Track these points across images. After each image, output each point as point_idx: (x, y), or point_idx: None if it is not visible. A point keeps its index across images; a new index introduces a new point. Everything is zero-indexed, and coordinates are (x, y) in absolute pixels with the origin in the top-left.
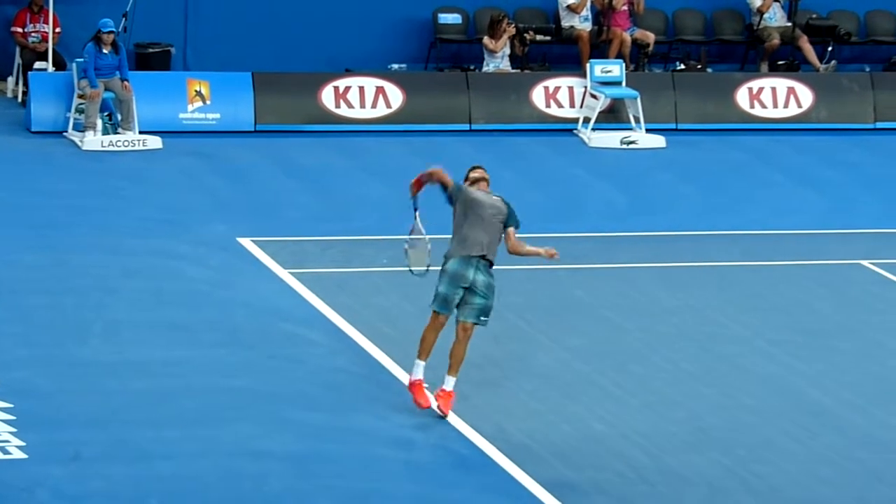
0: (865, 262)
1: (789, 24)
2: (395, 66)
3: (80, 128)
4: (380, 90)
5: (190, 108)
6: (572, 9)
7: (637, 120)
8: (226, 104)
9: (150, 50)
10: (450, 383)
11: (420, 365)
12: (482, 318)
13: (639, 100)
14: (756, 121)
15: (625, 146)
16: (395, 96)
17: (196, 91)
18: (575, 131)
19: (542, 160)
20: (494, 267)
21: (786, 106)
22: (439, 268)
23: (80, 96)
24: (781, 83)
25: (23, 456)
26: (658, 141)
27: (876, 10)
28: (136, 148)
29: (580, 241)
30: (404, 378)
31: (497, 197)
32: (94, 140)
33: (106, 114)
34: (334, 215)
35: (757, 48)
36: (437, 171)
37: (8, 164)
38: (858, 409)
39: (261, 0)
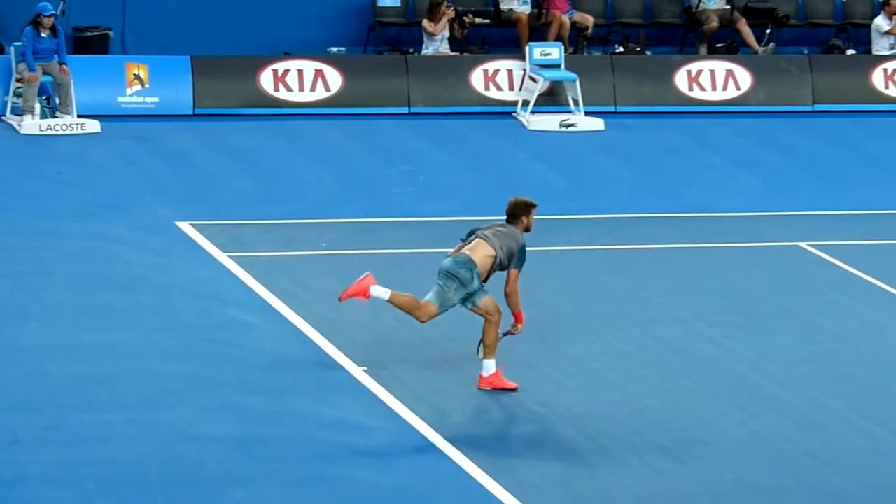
0: (804, 244)
1: (728, 6)
2: (335, 49)
3: (18, 112)
4: (319, 73)
5: (129, 91)
6: None
7: (576, 103)
8: (164, 88)
9: (89, 33)
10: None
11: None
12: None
13: (577, 83)
14: (695, 103)
15: (563, 129)
16: (335, 80)
17: (135, 75)
18: (514, 114)
19: (481, 143)
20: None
21: (724, 88)
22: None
23: (19, 80)
24: (720, 66)
25: None
26: (597, 124)
27: None
28: (75, 132)
29: None
30: (344, 361)
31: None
32: (32, 124)
33: (44, 98)
34: (274, 199)
35: (696, 31)
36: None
37: None
38: (796, 390)
39: None
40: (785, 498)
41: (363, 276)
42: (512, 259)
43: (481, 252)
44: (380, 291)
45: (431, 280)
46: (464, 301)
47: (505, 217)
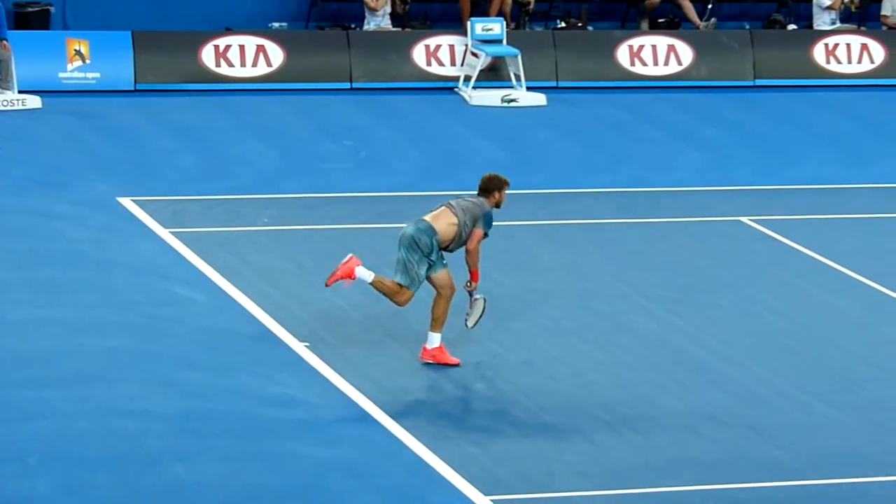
0: (745, 219)
1: None
2: (276, 24)
3: None
4: (260, 49)
5: (69, 67)
6: None
7: (518, 78)
8: (105, 63)
9: (29, 9)
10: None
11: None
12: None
13: (519, 58)
14: (636, 78)
15: (505, 104)
16: (276, 55)
17: (76, 50)
18: (456, 89)
19: (423, 118)
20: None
21: (666, 63)
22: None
23: None
24: (661, 41)
25: None
26: (538, 99)
27: None
28: (15, 107)
29: None
30: (286, 337)
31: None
32: None
33: None
34: (215, 174)
35: (637, 6)
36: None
37: None
38: (736, 364)
39: None
40: (725, 471)
41: (347, 258)
42: (477, 222)
43: (444, 220)
44: (364, 273)
45: (374, 255)
46: (427, 272)
47: (476, 191)
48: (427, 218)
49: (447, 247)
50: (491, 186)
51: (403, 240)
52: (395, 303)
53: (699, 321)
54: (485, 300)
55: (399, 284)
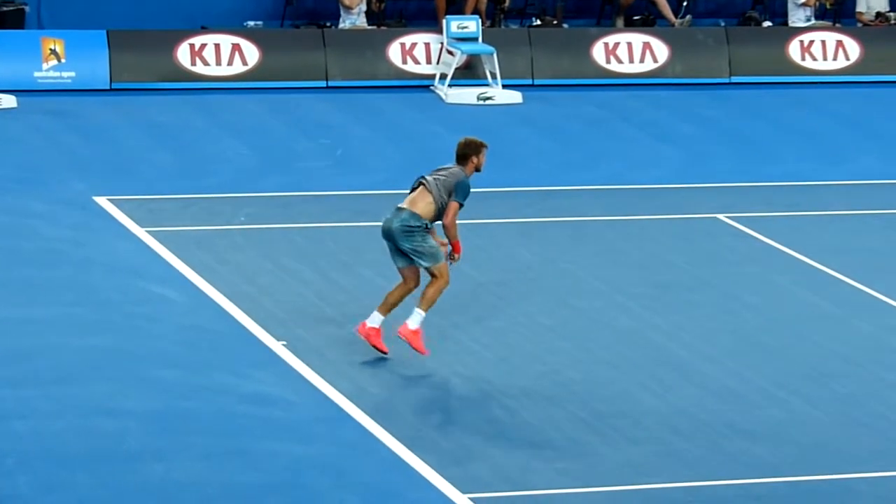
0: (721, 216)
1: None
2: (251, 23)
3: None
4: (236, 47)
5: (45, 66)
6: None
7: (493, 76)
8: (81, 62)
9: (4, 8)
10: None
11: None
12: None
13: (495, 56)
14: (612, 76)
15: (481, 102)
16: (252, 53)
17: (51, 49)
18: (432, 87)
19: (399, 117)
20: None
21: (641, 61)
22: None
23: None
24: (637, 38)
25: None
26: (514, 97)
27: None
28: None
29: None
30: (263, 336)
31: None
32: None
33: None
34: (191, 173)
35: (613, 3)
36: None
37: None
38: (714, 361)
39: None
40: (703, 468)
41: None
42: (451, 194)
43: (422, 201)
44: (417, 319)
45: (351, 252)
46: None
47: (455, 159)
48: (405, 205)
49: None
50: (468, 152)
51: (394, 233)
52: (444, 286)
53: (677, 318)
54: None
55: (428, 269)
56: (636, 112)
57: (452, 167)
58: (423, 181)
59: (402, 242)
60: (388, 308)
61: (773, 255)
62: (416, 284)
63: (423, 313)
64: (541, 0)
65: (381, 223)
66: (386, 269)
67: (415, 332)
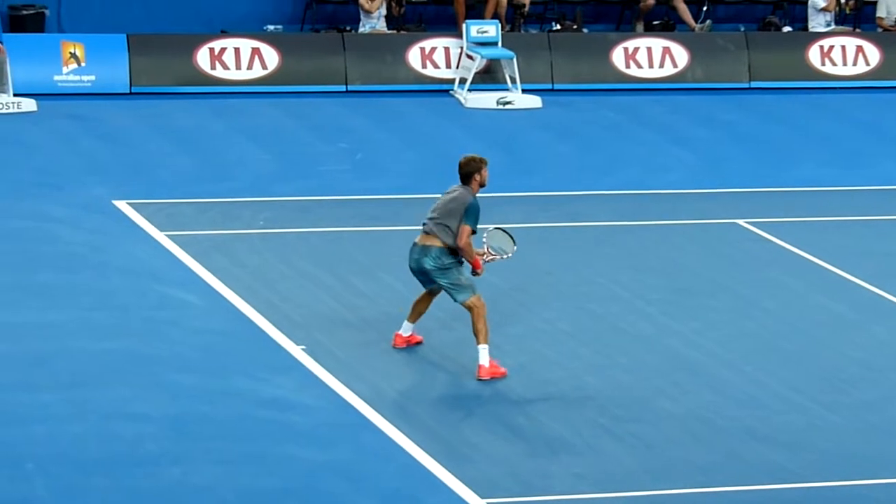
0: (741, 221)
1: None
2: (271, 27)
3: None
4: (255, 51)
5: (65, 70)
6: None
7: (513, 80)
8: (101, 66)
9: (24, 12)
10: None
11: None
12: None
13: (515, 60)
14: (631, 81)
15: (501, 107)
16: (271, 58)
17: (71, 53)
18: (451, 92)
19: (419, 121)
20: (368, 229)
21: (661, 66)
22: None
23: None
24: (657, 43)
25: None
26: (534, 101)
27: None
28: (11, 111)
29: None
30: (282, 340)
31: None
32: None
33: None
34: (211, 177)
35: (632, 8)
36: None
37: None
38: (732, 366)
39: None
40: (722, 474)
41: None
42: (461, 219)
43: (429, 241)
44: (485, 354)
45: (369, 257)
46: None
47: (459, 179)
48: (426, 242)
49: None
50: (470, 170)
51: (430, 273)
52: (484, 312)
53: (695, 324)
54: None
55: (463, 304)
56: (655, 117)
57: (458, 191)
58: (426, 229)
59: (439, 279)
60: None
61: (792, 260)
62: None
63: (486, 346)
64: (561, 5)
65: (398, 227)
66: (404, 274)
67: (491, 366)
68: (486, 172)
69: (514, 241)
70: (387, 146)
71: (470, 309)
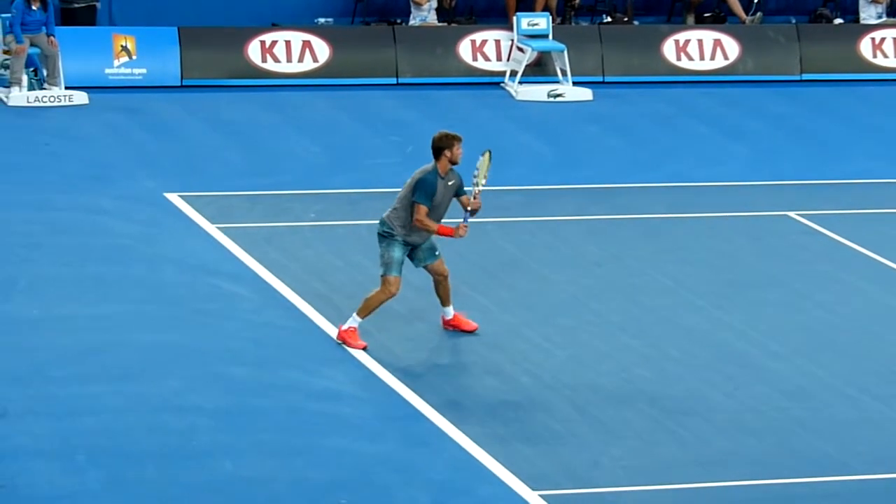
0: (792, 214)
1: None
2: (322, 20)
3: (6, 83)
4: (306, 44)
5: (116, 63)
6: None
7: (564, 73)
8: (152, 59)
9: (76, 5)
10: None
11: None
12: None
13: (566, 53)
14: (682, 73)
15: (552, 99)
16: (322, 50)
17: (122, 46)
18: (502, 85)
19: (469, 114)
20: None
21: (712, 58)
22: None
23: (6, 52)
24: (708, 35)
25: None
26: (585, 94)
27: None
28: (63, 103)
29: (507, 195)
30: (333, 332)
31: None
32: (19, 96)
33: (32, 69)
34: (262, 170)
35: (683, 0)
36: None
37: None
38: (783, 359)
39: None
40: (773, 466)
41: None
42: (413, 194)
43: (392, 207)
44: (350, 322)
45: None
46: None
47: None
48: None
49: (407, 227)
50: (441, 146)
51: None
52: (385, 297)
53: (746, 316)
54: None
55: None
56: (706, 109)
57: (427, 165)
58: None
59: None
60: (446, 302)
61: (844, 252)
62: (444, 274)
63: (358, 319)
64: None
65: (447, 219)
66: (454, 266)
67: (348, 333)
68: (458, 150)
69: (489, 161)
70: None
71: (381, 290)
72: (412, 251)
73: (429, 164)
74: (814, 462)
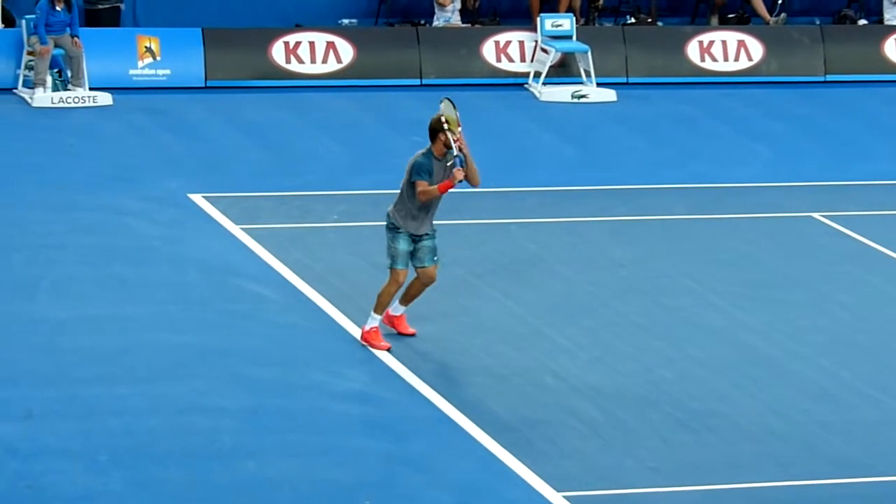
0: (816, 215)
1: None
2: (346, 21)
3: (30, 84)
4: (330, 45)
5: (140, 64)
6: None
7: (588, 74)
8: (176, 60)
9: (100, 6)
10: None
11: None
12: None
13: (589, 54)
14: (706, 74)
15: (575, 100)
16: (346, 51)
17: (146, 47)
18: (526, 86)
19: (493, 115)
20: (441, 222)
21: (736, 59)
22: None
23: (30, 53)
24: (732, 36)
25: None
26: (609, 95)
27: None
28: (87, 104)
29: (531, 195)
30: (357, 333)
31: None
32: (44, 97)
33: (56, 70)
34: (285, 171)
35: (707, 1)
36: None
37: None
38: (807, 360)
39: None
40: (797, 468)
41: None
42: (410, 176)
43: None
44: (370, 322)
45: (442, 250)
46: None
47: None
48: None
49: (413, 207)
50: (437, 128)
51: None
52: (394, 290)
53: (769, 318)
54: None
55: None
56: (730, 110)
57: (422, 149)
58: None
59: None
60: (406, 301)
61: (868, 254)
62: (430, 281)
63: (377, 317)
64: None
65: (471, 221)
66: (478, 266)
67: (371, 333)
68: (450, 134)
69: (453, 109)
70: None
71: (389, 283)
72: (415, 248)
73: (423, 149)
74: (839, 464)
